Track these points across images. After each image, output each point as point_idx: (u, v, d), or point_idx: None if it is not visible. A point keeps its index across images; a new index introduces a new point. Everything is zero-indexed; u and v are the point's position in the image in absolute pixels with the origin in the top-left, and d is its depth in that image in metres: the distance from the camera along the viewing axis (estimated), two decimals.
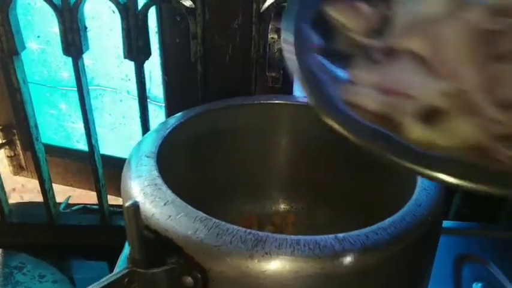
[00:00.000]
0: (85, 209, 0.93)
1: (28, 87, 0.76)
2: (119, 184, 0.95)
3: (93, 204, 0.96)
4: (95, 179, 0.83)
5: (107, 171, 0.85)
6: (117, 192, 1.02)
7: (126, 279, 0.34)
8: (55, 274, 0.80)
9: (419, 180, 0.40)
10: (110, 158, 0.94)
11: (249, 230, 0.35)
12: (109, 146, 0.95)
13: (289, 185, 0.60)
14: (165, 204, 0.38)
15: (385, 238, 0.34)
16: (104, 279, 0.34)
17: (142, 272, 0.34)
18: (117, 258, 0.90)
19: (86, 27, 0.71)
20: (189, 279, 0.34)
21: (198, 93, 0.75)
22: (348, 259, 0.33)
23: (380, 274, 0.35)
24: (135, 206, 0.32)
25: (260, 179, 0.60)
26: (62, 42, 0.70)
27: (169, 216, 0.36)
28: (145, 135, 0.49)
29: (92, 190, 1.00)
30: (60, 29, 0.69)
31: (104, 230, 0.88)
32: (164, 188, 0.39)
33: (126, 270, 0.34)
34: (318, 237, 0.34)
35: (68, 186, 1.00)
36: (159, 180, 0.40)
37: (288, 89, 0.82)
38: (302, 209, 0.61)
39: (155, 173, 0.41)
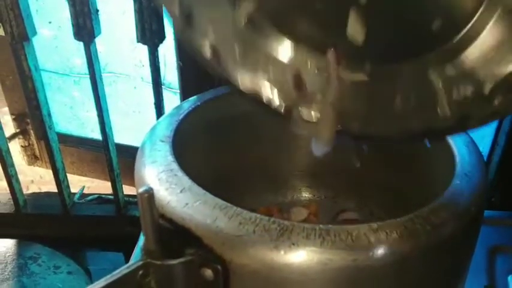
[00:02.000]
0: (100, 199, 0.92)
1: (40, 75, 0.74)
2: (133, 173, 0.92)
3: (108, 194, 0.94)
4: (109, 169, 0.81)
5: (121, 160, 0.83)
6: (133, 182, 1.00)
7: (141, 272, 0.32)
8: (70, 265, 0.78)
9: (459, 165, 0.37)
10: (124, 147, 0.92)
11: (273, 219, 0.32)
12: (123, 134, 0.93)
13: (311, 173, 0.57)
14: (181, 191, 0.35)
15: (424, 228, 0.31)
16: (117, 271, 0.31)
17: (158, 263, 0.31)
18: (133, 249, 0.89)
19: (97, 10, 0.68)
20: (208, 272, 0.32)
21: (214, 79, 0.72)
22: (383, 251, 0.30)
23: (417, 267, 0.32)
24: (149, 193, 0.30)
25: (281, 166, 0.56)
26: (73, 26, 0.67)
27: (186, 204, 0.33)
28: (159, 120, 0.46)
29: (106, 180, 0.98)
30: (70, 12, 0.66)
31: (119, 221, 0.86)
32: (180, 173, 0.37)
33: (141, 262, 0.31)
34: (350, 227, 0.31)
35: (83, 176, 0.98)
36: (175, 166, 0.38)
37: None
38: (325, 198, 0.58)
39: (170, 158, 0.39)
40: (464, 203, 0.33)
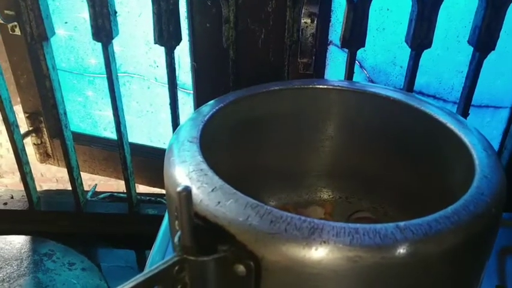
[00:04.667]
0: (112, 197, 0.93)
1: (57, 74, 0.75)
2: (144, 172, 0.94)
3: (120, 193, 0.95)
4: (124, 167, 0.82)
5: (133, 159, 0.84)
6: (143, 180, 1.01)
7: (176, 268, 0.33)
8: (84, 262, 0.79)
9: (478, 168, 0.38)
10: (136, 146, 0.93)
11: (303, 218, 0.33)
12: (136, 133, 0.95)
13: (327, 174, 0.58)
14: (212, 190, 0.36)
15: (448, 227, 0.33)
16: (154, 267, 0.32)
17: (193, 259, 0.33)
18: (145, 247, 0.90)
19: (115, 12, 0.69)
20: (241, 268, 0.33)
21: (229, 80, 0.73)
22: (409, 249, 0.31)
23: (442, 265, 0.33)
24: (187, 191, 0.31)
25: (298, 167, 0.58)
26: (92, 27, 0.69)
27: (219, 203, 0.35)
28: (182, 124, 0.48)
29: (118, 178, 1.00)
30: (90, 13, 0.68)
31: (132, 218, 0.88)
32: (210, 173, 0.38)
33: (177, 258, 0.33)
34: (378, 226, 0.32)
35: (94, 174, 0.99)
36: (204, 166, 0.39)
37: (319, 75, 0.80)
38: (340, 198, 0.59)
39: (199, 158, 0.40)
40: (485, 204, 0.35)
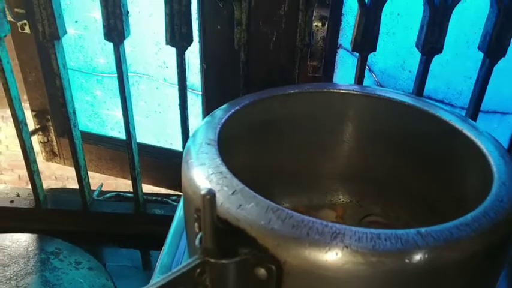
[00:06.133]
0: (118, 196, 0.93)
1: (67, 73, 0.75)
2: (150, 172, 0.94)
3: (126, 192, 0.95)
4: (131, 167, 0.82)
5: (140, 159, 0.84)
6: (148, 180, 1.01)
7: (198, 270, 0.33)
8: (90, 261, 0.79)
9: (496, 174, 0.39)
10: (142, 146, 0.93)
11: (325, 222, 0.33)
12: (142, 133, 0.95)
13: (339, 177, 0.58)
14: (233, 193, 0.36)
15: (469, 234, 0.33)
16: (176, 269, 0.33)
17: (214, 262, 0.33)
18: (151, 247, 0.90)
19: (128, 12, 0.69)
20: (262, 271, 0.33)
21: (238, 82, 0.73)
22: (431, 254, 0.32)
23: (461, 270, 0.34)
24: (212, 195, 0.31)
25: (310, 170, 0.58)
26: (104, 27, 0.69)
27: (240, 206, 0.35)
28: (198, 127, 0.48)
29: (124, 178, 1.00)
30: (102, 13, 0.68)
31: (138, 218, 0.88)
32: (230, 176, 0.38)
33: (199, 261, 0.33)
34: (399, 232, 0.33)
35: (101, 173, 0.99)
36: (224, 168, 0.39)
37: (328, 79, 0.80)
38: (350, 202, 0.60)
39: (218, 160, 0.40)
40: (504, 211, 0.35)
